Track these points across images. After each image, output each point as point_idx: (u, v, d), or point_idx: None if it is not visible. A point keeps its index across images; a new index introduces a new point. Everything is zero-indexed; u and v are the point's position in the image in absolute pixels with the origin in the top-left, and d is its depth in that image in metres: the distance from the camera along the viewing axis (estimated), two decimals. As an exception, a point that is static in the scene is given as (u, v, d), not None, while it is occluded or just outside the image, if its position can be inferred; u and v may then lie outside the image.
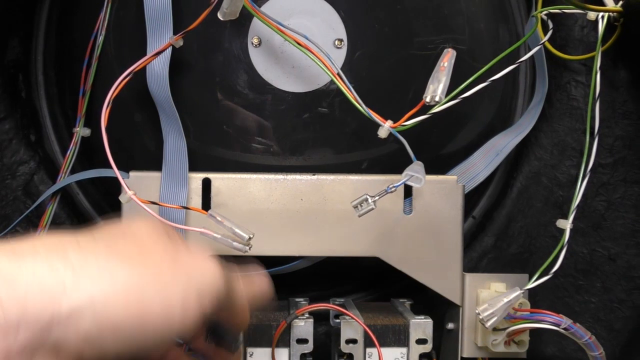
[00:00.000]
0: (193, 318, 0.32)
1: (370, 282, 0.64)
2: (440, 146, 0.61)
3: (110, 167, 0.47)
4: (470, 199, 0.61)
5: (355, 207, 0.46)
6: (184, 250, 0.34)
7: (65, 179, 0.56)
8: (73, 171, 0.57)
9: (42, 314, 0.27)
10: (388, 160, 0.57)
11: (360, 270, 0.62)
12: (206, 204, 0.51)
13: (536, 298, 0.57)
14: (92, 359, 0.29)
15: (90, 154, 0.58)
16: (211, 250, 0.41)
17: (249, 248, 0.44)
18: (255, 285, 0.41)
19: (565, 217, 0.53)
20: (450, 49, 0.46)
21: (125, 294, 0.29)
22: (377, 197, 0.46)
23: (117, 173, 0.46)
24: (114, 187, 0.49)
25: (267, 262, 0.45)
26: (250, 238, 0.44)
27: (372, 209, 0.45)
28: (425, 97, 0.44)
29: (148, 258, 0.32)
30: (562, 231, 0.52)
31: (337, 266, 0.56)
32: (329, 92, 0.55)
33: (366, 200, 0.45)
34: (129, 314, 0.29)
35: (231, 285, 0.35)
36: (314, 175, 0.52)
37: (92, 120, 0.57)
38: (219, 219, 0.44)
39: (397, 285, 0.62)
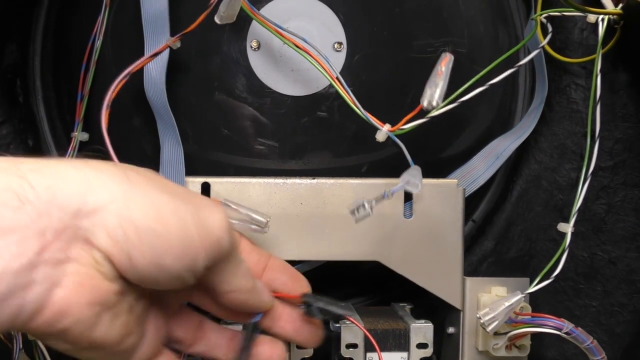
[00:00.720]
0: (206, 248, 0.33)
1: (370, 287, 0.63)
2: (440, 149, 0.60)
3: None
4: (470, 202, 0.61)
5: (352, 212, 0.45)
6: (197, 195, 0.37)
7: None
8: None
9: (70, 203, 0.29)
10: (388, 163, 0.57)
11: (360, 275, 0.61)
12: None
13: (537, 302, 0.57)
14: (121, 266, 0.31)
15: (88, 159, 0.58)
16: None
17: (267, 230, 0.45)
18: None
19: (565, 220, 0.53)
20: (447, 53, 0.46)
21: (143, 201, 0.31)
22: (374, 202, 0.45)
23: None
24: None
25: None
26: (267, 222, 0.45)
27: (369, 214, 0.45)
28: (423, 101, 0.44)
29: (163, 183, 0.34)
30: (562, 235, 0.52)
31: (337, 270, 0.55)
32: (328, 96, 0.55)
33: (363, 206, 0.45)
34: (149, 219, 0.31)
35: (235, 244, 0.36)
36: (313, 179, 0.52)
37: (90, 125, 0.57)
38: (233, 206, 0.44)
39: (398, 289, 0.61)
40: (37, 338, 0.33)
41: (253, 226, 0.45)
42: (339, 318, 0.43)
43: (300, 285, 0.45)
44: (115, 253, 0.31)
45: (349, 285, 0.62)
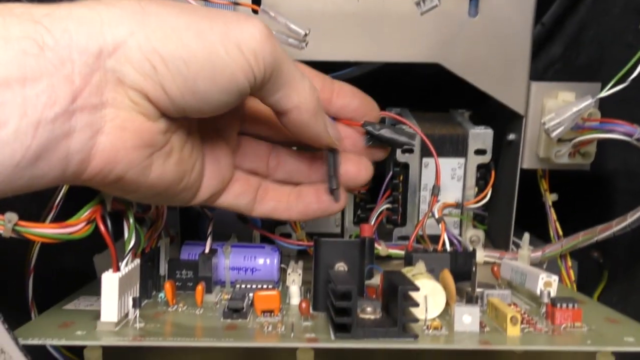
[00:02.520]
0: (243, 67, 0.31)
1: (428, 93, 0.61)
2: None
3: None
4: (540, 3, 0.55)
5: (418, 3, 0.42)
6: (227, 12, 0.33)
7: None
8: None
9: (90, 44, 0.28)
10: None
11: (418, 80, 0.59)
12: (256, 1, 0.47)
13: (604, 112, 0.54)
14: (158, 100, 0.30)
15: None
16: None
17: (305, 44, 0.41)
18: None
19: (646, 22, 0.48)
20: None
21: (163, 29, 0.29)
22: (442, -7, 0.41)
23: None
24: None
25: (319, 68, 0.43)
26: (306, 34, 0.41)
27: (436, 5, 0.41)
28: None
29: (181, 5, 0.31)
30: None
31: (395, 75, 0.53)
32: None
33: (430, -6, 0.41)
34: (172, 47, 0.29)
35: (280, 56, 0.33)
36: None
37: None
38: (272, 14, 0.41)
39: (457, 96, 0.59)
40: (98, 189, 0.33)
41: (290, 40, 0.42)
42: (401, 145, 0.41)
43: (372, 108, 0.43)
44: (149, 87, 0.30)
45: (406, 90, 0.60)
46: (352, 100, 0.42)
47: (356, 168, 0.42)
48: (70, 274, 0.51)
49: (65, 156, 0.28)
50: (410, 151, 0.52)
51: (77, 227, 0.35)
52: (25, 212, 0.33)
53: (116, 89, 0.29)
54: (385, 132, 0.41)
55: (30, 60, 0.27)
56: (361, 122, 0.42)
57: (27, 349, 0.32)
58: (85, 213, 0.35)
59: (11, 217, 0.32)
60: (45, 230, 0.34)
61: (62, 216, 0.36)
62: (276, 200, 0.41)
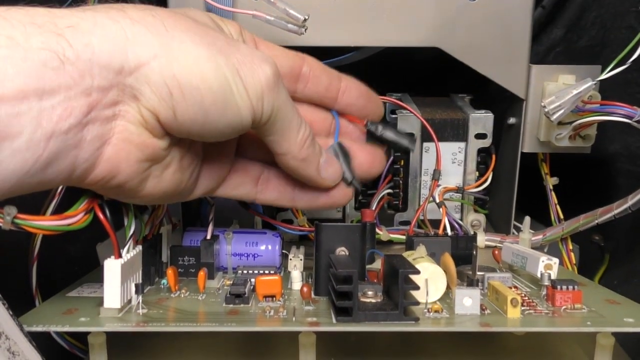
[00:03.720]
0: (247, 108, 0.32)
1: (428, 78, 0.61)
2: None
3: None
4: (541, -15, 0.55)
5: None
6: (243, 45, 0.34)
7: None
8: None
9: (113, 61, 0.28)
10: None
11: (418, 65, 0.59)
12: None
13: (604, 95, 0.54)
14: (167, 122, 0.31)
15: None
16: (265, 36, 0.39)
17: (305, 30, 0.41)
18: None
19: (648, 3, 0.48)
20: None
21: (185, 57, 0.30)
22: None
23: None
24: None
25: (319, 53, 0.42)
26: (305, 19, 0.41)
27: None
28: None
29: (202, 31, 0.32)
30: (642, 18, 0.47)
31: (394, 59, 0.53)
32: None
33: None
34: (191, 76, 0.30)
35: (281, 104, 0.34)
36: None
37: None
38: (272, 0, 0.41)
39: (457, 80, 0.59)
40: (98, 192, 0.34)
41: (290, 25, 0.42)
42: (402, 148, 0.42)
43: (376, 107, 0.43)
44: (162, 110, 0.30)
45: (406, 75, 0.60)
46: (357, 100, 0.42)
47: (370, 159, 0.42)
48: (73, 262, 0.51)
49: (73, 164, 0.29)
50: (411, 135, 0.52)
51: (75, 218, 0.35)
52: (23, 204, 0.34)
53: (130, 104, 0.30)
54: (388, 135, 0.41)
55: (49, 73, 0.27)
56: (364, 119, 0.42)
57: (31, 336, 0.32)
58: (82, 204, 0.35)
59: (10, 210, 0.33)
60: (44, 223, 0.34)
61: (63, 207, 0.36)
62: (280, 190, 0.42)
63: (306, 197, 0.42)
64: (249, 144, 0.41)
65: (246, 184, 0.41)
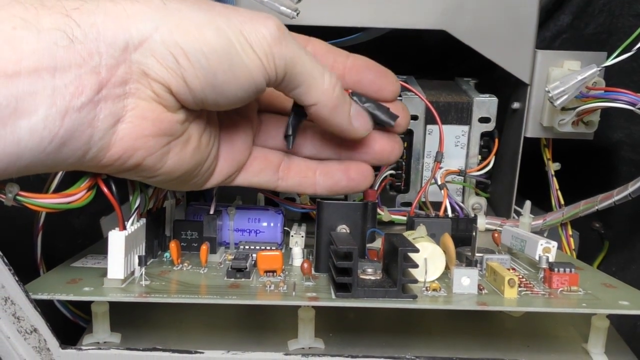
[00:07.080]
0: (257, 67, 0.32)
1: (434, 61, 0.61)
2: None
3: None
4: (549, -30, 0.55)
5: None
6: (241, 8, 0.34)
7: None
8: None
9: (117, 38, 0.29)
10: None
11: (424, 47, 0.59)
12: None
13: (609, 82, 0.54)
14: (179, 93, 0.32)
15: None
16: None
17: (297, 13, 0.41)
18: None
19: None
20: None
21: (185, 24, 0.31)
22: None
23: None
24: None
25: (323, 34, 0.43)
26: (298, 1, 0.41)
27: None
28: None
29: (201, 3, 0.32)
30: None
31: (400, 42, 0.53)
32: None
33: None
34: (194, 41, 0.31)
35: (294, 56, 0.34)
36: None
37: None
38: None
39: (462, 64, 0.59)
40: (116, 175, 0.34)
41: (282, 7, 0.41)
42: (380, 123, 0.41)
43: (388, 82, 0.42)
44: (172, 80, 0.31)
45: (412, 58, 0.60)
46: (365, 74, 0.41)
47: (391, 145, 0.42)
48: (77, 235, 0.52)
49: (88, 142, 0.30)
50: (415, 118, 0.52)
51: (77, 195, 0.35)
52: (25, 183, 0.34)
53: (140, 81, 0.31)
54: (368, 107, 0.40)
55: (60, 51, 0.28)
56: (367, 93, 0.41)
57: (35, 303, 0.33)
58: (84, 182, 0.36)
59: (12, 187, 0.33)
60: (45, 201, 0.34)
61: (66, 185, 0.37)
62: (301, 176, 0.42)
63: (328, 182, 0.41)
64: (268, 131, 0.41)
65: (267, 171, 0.41)
